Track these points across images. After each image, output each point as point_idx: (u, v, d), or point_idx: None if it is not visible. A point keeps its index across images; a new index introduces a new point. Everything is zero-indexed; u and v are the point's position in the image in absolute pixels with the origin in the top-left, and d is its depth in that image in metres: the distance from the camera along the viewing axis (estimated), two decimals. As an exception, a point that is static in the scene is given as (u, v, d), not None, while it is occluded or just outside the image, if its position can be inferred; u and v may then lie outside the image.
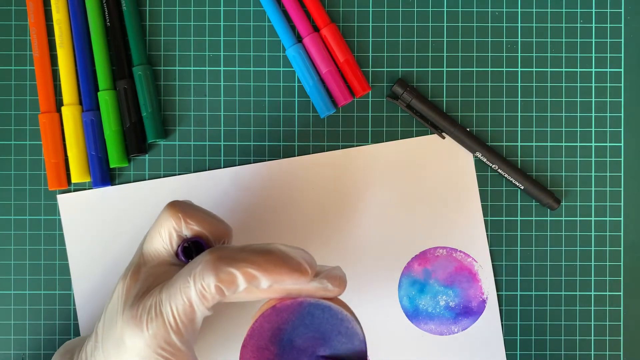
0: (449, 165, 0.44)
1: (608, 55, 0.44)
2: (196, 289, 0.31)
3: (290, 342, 0.32)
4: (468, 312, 0.44)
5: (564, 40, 0.44)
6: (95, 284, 0.43)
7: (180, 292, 0.31)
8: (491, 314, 0.44)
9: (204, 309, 0.31)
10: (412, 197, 0.44)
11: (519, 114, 0.44)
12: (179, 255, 0.35)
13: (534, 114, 0.44)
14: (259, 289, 0.31)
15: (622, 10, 0.44)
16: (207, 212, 0.35)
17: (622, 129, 0.44)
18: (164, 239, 0.35)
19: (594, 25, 0.44)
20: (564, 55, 0.44)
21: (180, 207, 0.34)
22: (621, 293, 0.44)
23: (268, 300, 0.33)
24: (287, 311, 0.32)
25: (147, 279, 0.34)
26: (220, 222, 0.36)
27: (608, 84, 0.44)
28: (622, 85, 0.44)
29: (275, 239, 0.43)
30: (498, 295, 0.44)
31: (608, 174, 0.44)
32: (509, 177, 0.43)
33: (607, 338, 0.44)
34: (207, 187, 0.43)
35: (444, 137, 0.44)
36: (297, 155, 0.44)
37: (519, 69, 0.44)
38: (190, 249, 0.35)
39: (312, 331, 0.32)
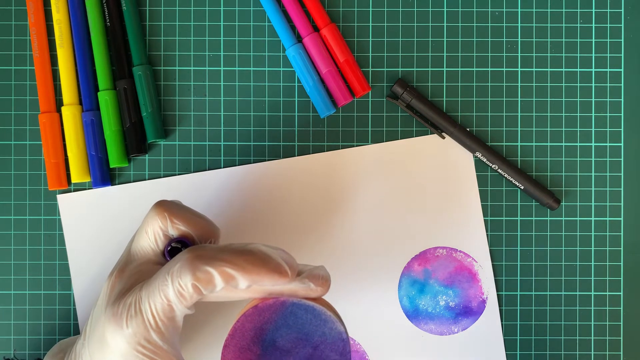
0: (449, 165, 0.44)
1: (608, 55, 0.44)
2: (174, 288, 0.30)
3: (273, 343, 0.32)
4: (468, 312, 0.44)
5: (564, 40, 0.44)
6: (95, 284, 0.43)
7: (159, 290, 0.31)
8: (491, 314, 0.44)
9: (182, 308, 0.31)
10: (412, 197, 0.44)
11: (519, 114, 0.44)
12: (165, 255, 0.35)
13: (534, 114, 0.44)
14: (239, 289, 0.31)
15: (622, 10, 0.44)
16: (194, 212, 0.35)
17: (622, 129, 0.44)
18: (150, 238, 0.34)
19: (594, 25, 0.44)
20: (564, 55, 0.44)
21: (166, 207, 0.34)
22: (621, 293, 0.44)
23: (252, 299, 0.33)
24: (269, 311, 0.32)
25: (132, 277, 0.34)
26: (208, 222, 0.35)
27: (608, 84, 0.44)
28: (622, 85, 0.44)
29: (275, 238, 0.43)
30: (498, 295, 0.44)
31: (608, 174, 0.44)
32: (509, 177, 0.43)
33: (607, 338, 0.44)
34: (207, 187, 0.43)
35: (444, 137, 0.44)
36: (297, 155, 0.44)
37: (519, 69, 0.44)
38: (178, 250, 0.35)
39: (295, 332, 0.32)
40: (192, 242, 0.35)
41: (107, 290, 0.34)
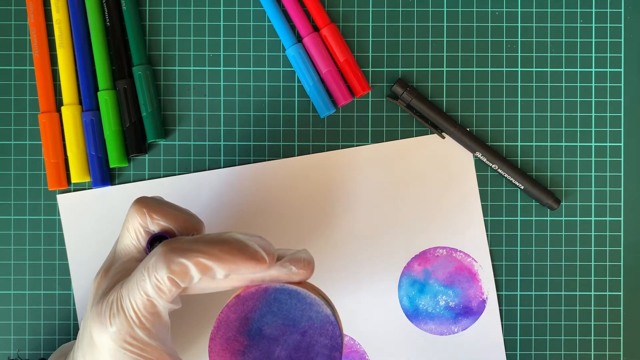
0: (449, 165, 0.44)
1: (608, 55, 0.44)
2: (151, 283, 0.30)
3: (260, 331, 0.31)
4: (468, 312, 0.44)
5: (564, 40, 0.44)
6: (95, 284, 0.43)
7: (137, 286, 0.31)
8: (491, 314, 0.44)
9: (164, 302, 0.31)
10: (412, 197, 0.44)
11: (519, 114, 0.44)
12: (147, 251, 0.34)
13: (534, 114, 0.44)
14: (218, 279, 0.30)
15: (622, 10, 0.44)
16: (175, 207, 0.35)
17: (622, 129, 0.44)
18: (132, 235, 0.34)
19: (594, 25, 0.44)
20: (564, 55, 0.44)
21: (145, 203, 0.34)
22: (621, 293, 0.44)
23: (237, 289, 0.32)
24: (252, 299, 0.31)
25: (116, 276, 0.33)
26: (189, 215, 0.35)
27: (608, 84, 0.44)
28: (622, 85, 0.44)
29: (274, 238, 0.43)
30: (498, 295, 0.44)
31: (608, 174, 0.44)
32: (509, 177, 0.43)
33: (607, 338, 0.44)
34: (207, 187, 0.43)
35: (444, 137, 0.44)
36: (297, 155, 0.44)
37: (519, 69, 0.44)
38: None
39: (281, 318, 0.31)
40: (173, 236, 0.34)
41: (93, 291, 0.34)
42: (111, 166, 0.43)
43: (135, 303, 0.31)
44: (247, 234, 0.31)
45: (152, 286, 0.30)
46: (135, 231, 0.34)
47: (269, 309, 0.31)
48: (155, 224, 0.34)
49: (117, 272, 0.34)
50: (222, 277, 0.30)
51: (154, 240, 0.34)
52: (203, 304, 0.43)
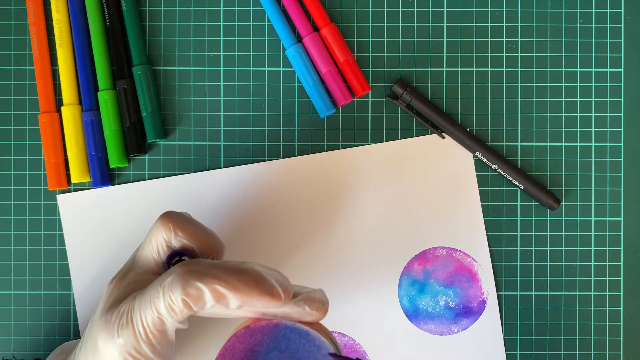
0: (449, 165, 0.44)
1: (608, 55, 0.44)
2: (165, 301, 0.30)
3: None
4: (468, 312, 0.44)
5: (564, 40, 0.44)
6: (95, 284, 0.43)
7: (151, 302, 0.31)
8: (491, 314, 0.44)
9: (173, 322, 0.31)
10: (412, 197, 0.44)
11: (519, 114, 0.44)
12: (165, 267, 0.34)
13: (534, 114, 0.44)
14: (230, 307, 0.30)
15: (622, 10, 0.44)
16: (200, 226, 0.35)
17: (622, 129, 0.44)
18: (153, 247, 0.34)
19: (594, 25, 0.44)
20: (564, 55, 0.44)
21: (172, 219, 0.34)
22: (621, 293, 0.44)
23: (247, 319, 0.32)
24: (261, 332, 0.31)
25: (130, 285, 0.33)
26: (213, 237, 0.35)
27: (608, 84, 0.44)
28: (622, 85, 0.44)
29: (274, 238, 0.43)
30: (498, 295, 0.44)
31: (608, 174, 0.44)
32: (509, 177, 0.43)
33: (607, 338, 0.44)
34: (207, 187, 0.43)
35: (444, 137, 0.44)
36: (297, 155, 0.44)
37: (519, 69, 0.44)
38: (179, 262, 0.34)
39: (287, 356, 0.30)
40: (194, 255, 0.34)
41: (106, 296, 0.34)
42: (111, 166, 0.43)
43: (145, 318, 0.31)
44: (266, 266, 0.31)
45: (165, 305, 0.30)
46: (157, 244, 0.34)
47: (276, 345, 0.31)
48: (178, 241, 0.34)
49: (132, 281, 0.34)
50: (235, 307, 0.30)
51: (173, 256, 0.34)
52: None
